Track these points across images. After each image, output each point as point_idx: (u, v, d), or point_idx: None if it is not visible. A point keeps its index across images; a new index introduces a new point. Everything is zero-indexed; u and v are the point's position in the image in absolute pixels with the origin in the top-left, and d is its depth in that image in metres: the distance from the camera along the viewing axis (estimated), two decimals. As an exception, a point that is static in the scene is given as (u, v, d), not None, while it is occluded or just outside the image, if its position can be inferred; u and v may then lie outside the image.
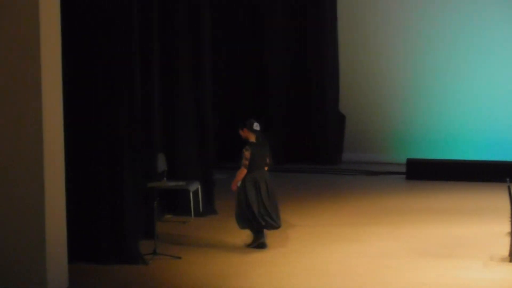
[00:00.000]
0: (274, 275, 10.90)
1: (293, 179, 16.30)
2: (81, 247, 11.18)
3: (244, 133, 11.72)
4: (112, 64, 11.42)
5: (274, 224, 11.78)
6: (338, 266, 11.17)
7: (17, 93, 9.72)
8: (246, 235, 12.34)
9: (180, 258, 11.35)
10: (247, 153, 11.48)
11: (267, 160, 11.72)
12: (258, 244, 11.74)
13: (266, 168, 11.67)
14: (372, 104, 17.29)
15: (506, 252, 11.08)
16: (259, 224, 11.68)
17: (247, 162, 11.50)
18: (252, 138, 11.55)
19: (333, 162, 17.11)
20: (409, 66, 17.17)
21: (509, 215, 11.26)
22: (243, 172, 11.52)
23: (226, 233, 12.55)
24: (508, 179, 11.39)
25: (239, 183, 11.66)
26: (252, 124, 11.64)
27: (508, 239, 11.15)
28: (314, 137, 17.32)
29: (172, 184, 12.23)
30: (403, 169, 16.14)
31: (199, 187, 13.42)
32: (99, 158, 11.47)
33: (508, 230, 11.27)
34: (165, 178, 12.29)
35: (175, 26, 13.55)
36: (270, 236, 12.40)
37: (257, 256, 11.57)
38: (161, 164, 12.83)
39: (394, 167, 16.48)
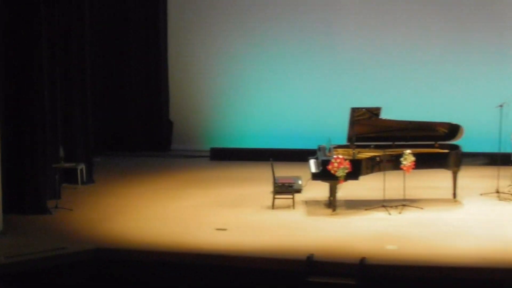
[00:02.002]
0: (137, 217, 11.73)
1: (137, 161, 16.15)
2: (12, 203, 11.91)
3: None
4: (33, 77, 11.93)
5: None
6: (176, 213, 12.01)
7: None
8: (115, 194, 13.05)
9: (71, 210, 12.22)
10: None
11: None
12: None
13: None
14: (192, 111, 16.96)
15: (270, 203, 12.32)
16: None
17: None
18: None
19: (165, 150, 17.12)
20: (220, 83, 16.68)
21: (272, 181, 12.37)
22: None
23: (100, 193, 13.26)
24: (271, 159, 12.51)
25: None
26: None
27: (271, 196, 12.43)
28: (154, 135, 17.14)
29: (67, 165, 13.11)
30: (208, 154, 16.51)
31: (84, 166, 13.91)
32: (26, 148, 12.16)
33: (271, 190, 12.48)
34: (63, 161, 12.92)
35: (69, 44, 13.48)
36: (131, 193, 13.12)
37: (122, 206, 12.25)
38: (61, 152, 12.94)
39: (203, 153, 16.57)
